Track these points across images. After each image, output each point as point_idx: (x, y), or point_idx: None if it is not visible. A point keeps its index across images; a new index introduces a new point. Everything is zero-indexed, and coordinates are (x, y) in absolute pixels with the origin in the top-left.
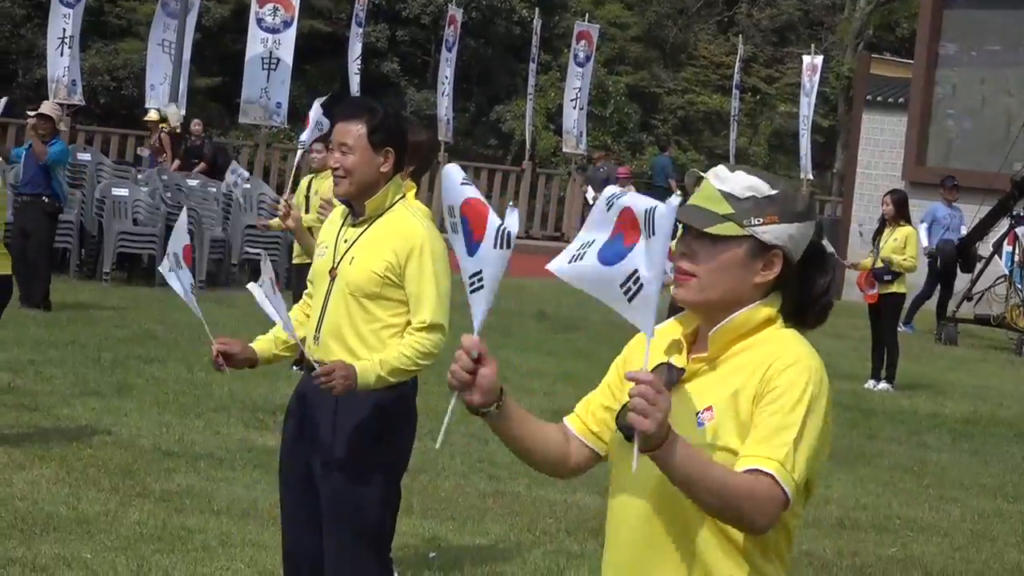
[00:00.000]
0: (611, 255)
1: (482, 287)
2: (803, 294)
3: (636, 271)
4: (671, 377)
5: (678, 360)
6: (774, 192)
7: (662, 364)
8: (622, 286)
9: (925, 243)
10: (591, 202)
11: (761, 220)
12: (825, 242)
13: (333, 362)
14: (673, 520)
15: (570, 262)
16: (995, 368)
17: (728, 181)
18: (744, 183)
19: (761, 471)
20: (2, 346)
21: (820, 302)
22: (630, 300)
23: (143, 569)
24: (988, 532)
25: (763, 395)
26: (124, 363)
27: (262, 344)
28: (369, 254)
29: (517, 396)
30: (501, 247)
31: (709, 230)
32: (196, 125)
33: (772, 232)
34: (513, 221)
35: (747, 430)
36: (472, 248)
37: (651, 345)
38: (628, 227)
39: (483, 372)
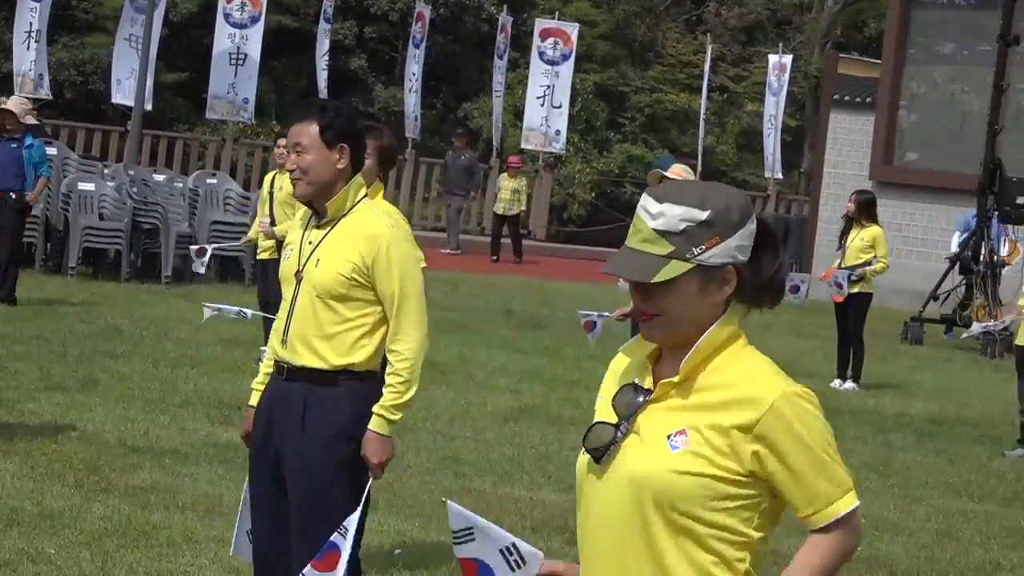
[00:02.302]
0: None
1: None
2: (757, 277)
3: None
4: (635, 399)
5: (644, 380)
6: (707, 214)
7: (627, 386)
8: None
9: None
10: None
11: (703, 247)
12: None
13: (366, 450)
14: (644, 546)
15: None
16: (960, 368)
17: (660, 217)
18: (676, 215)
19: (841, 518)
20: None
21: (774, 282)
22: None
23: (107, 565)
24: (953, 531)
25: (775, 445)
26: (89, 358)
27: (257, 398)
28: (334, 256)
29: (483, 394)
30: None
31: (655, 279)
32: None
33: (717, 253)
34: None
35: (725, 465)
36: None
37: (620, 368)
38: None
39: None
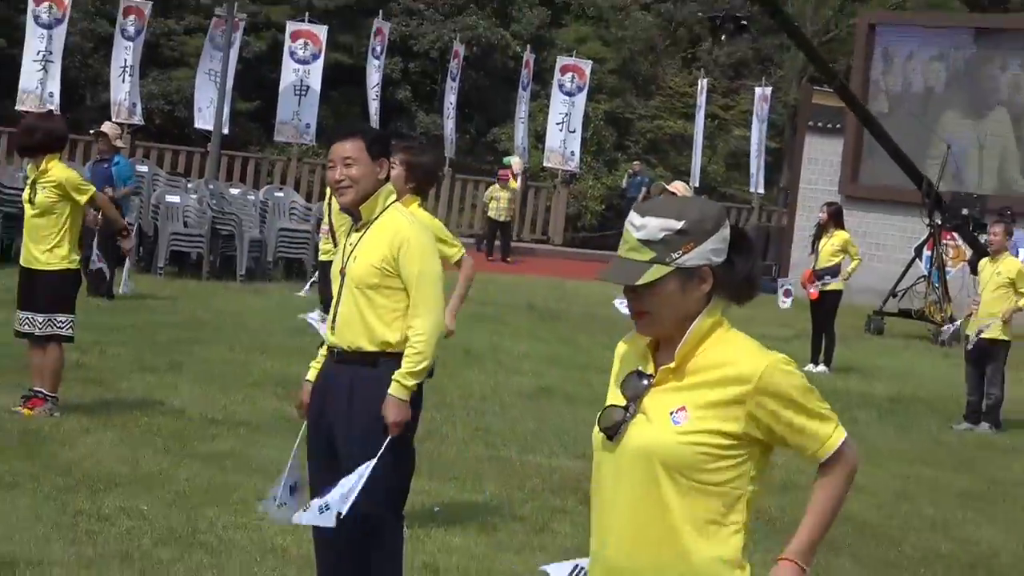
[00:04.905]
0: None
1: None
2: (732, 276)
3: None
4: (640, 383)
5: (646, 367)
6: (682, 223)
7: (632, 372)
8: None
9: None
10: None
11: (680, 252)
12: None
13: (384, 413)
14: (654, 507)
15: None
16: (916, 355)
17: (643, 229)
18: (656, 226)
19: (840, 450)
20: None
21: (746, 279)
22: None
23: (191, 519)
24: (908, 492)
25: (770, 409)
26: (175, 344)
27: (314, 373)
28: (368, 252)
29: (510, 376)
30: None
31: (639, 283)
32: None
33: (693, 257)
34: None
35: (720, 431)
36: None
37: (623, 355)
38: None
39: None
